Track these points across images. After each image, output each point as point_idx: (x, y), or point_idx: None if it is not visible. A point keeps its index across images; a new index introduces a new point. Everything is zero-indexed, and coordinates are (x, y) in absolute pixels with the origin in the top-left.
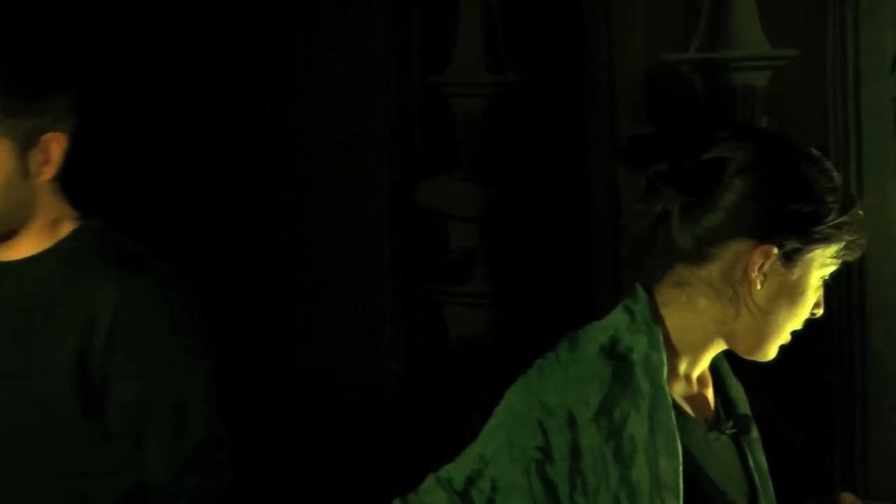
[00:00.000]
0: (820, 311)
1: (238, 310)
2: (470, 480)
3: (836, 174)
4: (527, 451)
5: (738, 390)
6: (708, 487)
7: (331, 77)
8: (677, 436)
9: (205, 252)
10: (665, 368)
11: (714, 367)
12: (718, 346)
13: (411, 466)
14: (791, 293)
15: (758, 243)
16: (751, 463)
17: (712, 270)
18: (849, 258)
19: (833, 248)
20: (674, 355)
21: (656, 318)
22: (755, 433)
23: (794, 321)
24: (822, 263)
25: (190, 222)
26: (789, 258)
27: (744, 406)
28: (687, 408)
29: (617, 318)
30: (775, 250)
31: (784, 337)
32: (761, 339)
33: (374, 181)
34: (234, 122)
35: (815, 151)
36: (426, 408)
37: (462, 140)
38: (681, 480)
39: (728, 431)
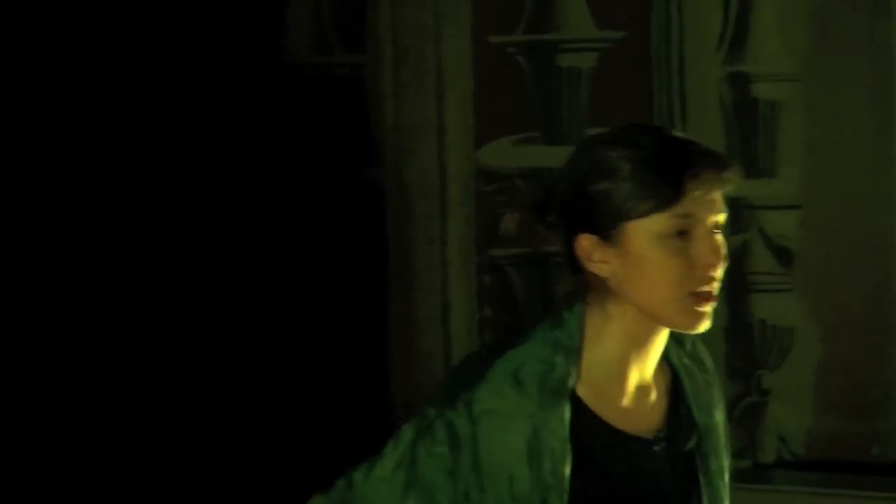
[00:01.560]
0: (715, 260)
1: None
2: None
3: (636, 149)
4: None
5: (705, 399)
6: (608, 495)
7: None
8: (559, 442)
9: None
10: (569, 380)
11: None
12: (645, 343)
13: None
14: (639, 265)
15: (576, 235)
16: (701, 478)
17: (586, 275)
18: (684, 212)
19: (650, 215)
20: (603, 364)
21: (580, 336)
22: (710, 447)
23: (669, 287)
24: (653, 230)
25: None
26: (607, 238)
27: (705, 417)
28: (613, 418)
29: (540, 335)
30: (590, 237)
31: (679, 301)
32: (657, 314)
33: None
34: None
35: (624, 131)
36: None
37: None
38: (565, 483)
39: (656, 447)
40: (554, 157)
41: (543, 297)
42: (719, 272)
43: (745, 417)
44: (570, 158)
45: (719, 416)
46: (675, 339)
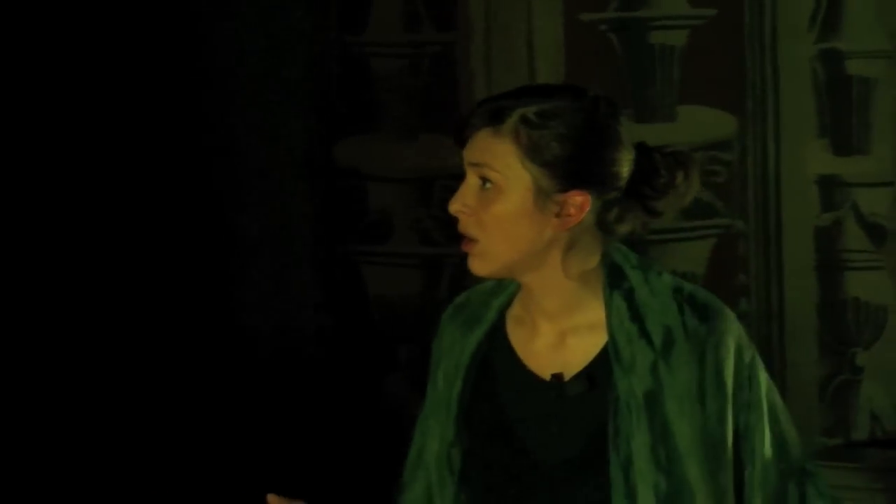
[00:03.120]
0: (451, 204)
1: (166, 268)
2: None
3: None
4: None
5: (628, 364)
6: (503, 433)
7: (249, 35)
8: (462, 368)
9: (130, 214)
10: (487, 313)
11: (616, 339)
12: (524, 290)
13: (329, 422)
14: None
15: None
16: (610, 431)
17: None
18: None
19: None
20: (527, 308)
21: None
22: (626, 404)
23: None
24: None
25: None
26: None
27: (628, 376)
28: (530, 359)
29: None
30: None
31: None
32: None
33: (291, 140)
34: (150, 76)
35: None
36: (345, 366)
37: (381, 100)
38: (452, 402)
39: (570, 389)
40: (645, 134)
41: None
42: (466, 221)
43: (838, 395)
44: None
45: (687, 405)
46: (662, 293)
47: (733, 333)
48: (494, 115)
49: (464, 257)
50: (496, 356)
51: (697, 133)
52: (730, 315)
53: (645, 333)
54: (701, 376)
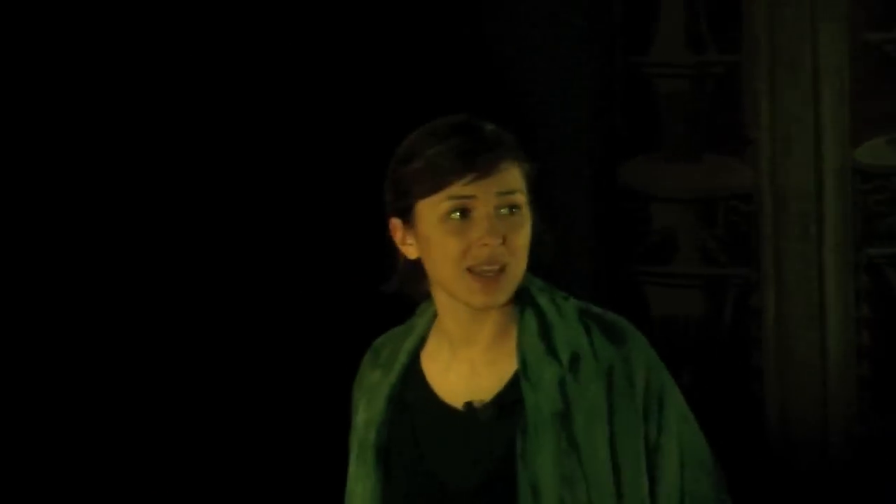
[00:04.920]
0: (489, 240)
1: None
2: None
3: (431, 135)
4: None
5: (540, 387)
6: (421, 467)
7: (533, 56)
8: (380, 413)
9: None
10: (400, 354)
11: (528, 362)
12: (466, 318)
13: None
14: (427, 245)
15: (388, 219)
16: (518, 449)
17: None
18: (461, 193)
19: (430, 195)
20: (443, 341)
21: (431, 313)
22: (533, 421)
23: (449, 264)
24: (435, 210)
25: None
26: (408, 221)
27: (536, 392)
28: (446, 392)
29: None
30: (396, 220)
31: (459, 279)
32: (447, 290)
33: (576, 160)
34: (429, 98)
35: (435, 123)
36: None
37: (664, 120)
38: (371, 450)
39: (482, 415)
40: None
41: None
42: (502, 252)
43: None
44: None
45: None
46: (570, 316)
47: (642, 354)
48: (512, 145)
49: (747, 278)
50: (410, 395)
51: None
52: (639, 336)
53: (552, 351)
54: (610, 393)
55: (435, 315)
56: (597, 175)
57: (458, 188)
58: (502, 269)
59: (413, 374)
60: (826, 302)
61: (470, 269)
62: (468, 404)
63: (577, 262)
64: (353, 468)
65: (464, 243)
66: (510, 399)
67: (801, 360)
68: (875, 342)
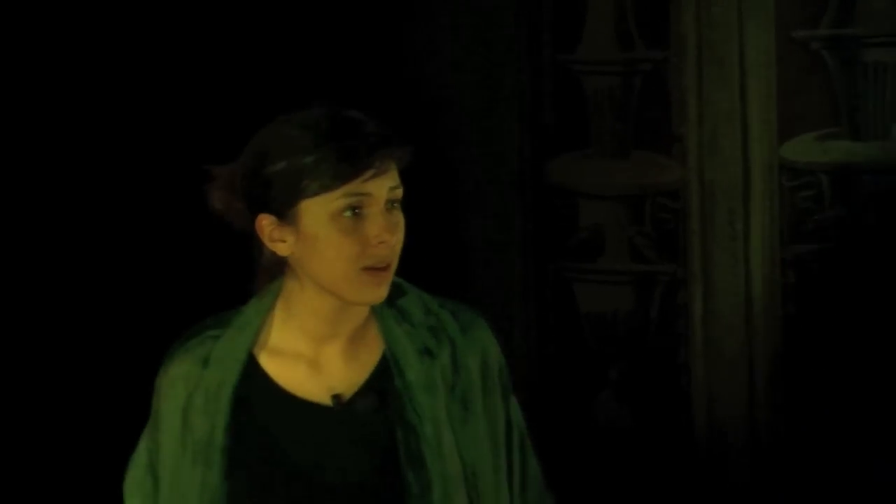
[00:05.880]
0: (386, 237)
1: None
2: None
3: (311, 129)
4: None
5: (411, 373)
6: (274, 458)
7: (460, 53)
8: (220, 414)
9: None
10: (236, 350)
11: (395, 351)
12: (331, 316)
13: (541, 440)
14: (313, 244)
15: (253, 217)
16: (399, 438)
17: (265, 256)
18: (358, 191)
19: (322, 194)
20: (292, 337)
21: (267, 310)
22: (407, 412)
23: (342, 264)
24: (326, 208)
25: None
26: (284, 217)
27: (410, 388)
28: (289, 383)
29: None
30: (268, 217)
31: (352, 278)
32: (332, 289)
33: (504, 158)
34: (361, 94)
35: (304, 112)
36: (556, 385)
37: (593, 117)
38: (214, 441)
39: (335, 411)
40: (858, 152)
41: (850, 293)
42: (394, 247)
43: None
44: (252, 139)
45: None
46: (424, 307)
47: (489, 340)
48: (396, 137)
49: (675, 275)
50: (253, 393)
51: None
52: (484, 323)
53: (414, 338)
54: (468, 377)
55: (270, 309)
56: (525, 172)
57: (355, 185)
58: (388, 265)
59: (253, 372)
60: (753, 299)
61: (365, 268)
62: (336, 397)
63: (506, 259)
64: (183, 467)
65: (359, 242)
66: (380, 387)
67: (728, 357)
68: (801, 340)
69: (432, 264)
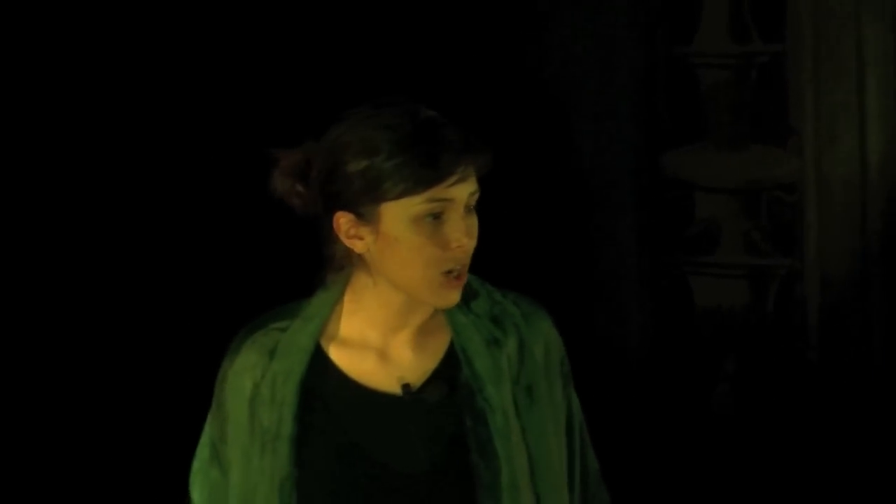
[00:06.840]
0: (465, 242)
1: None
2: None
3: (394, 130)
4: None
5: (478, 363)
6: (345, 449)
7: (577, 49)
8: (288, 405)
9: None
10: (303, 341)
11: (463, 340)
12: (401, 311)
13: (653, 434)
14: (392, 245)
15: (333, 213)
16: (468, 427)
17: (336, 250)
18: (441, 196)
19: (404, 197)
20: (360, 328)
21: (335, 302)
22: (476, 401)
23: (421, 267)
24: (408, 212)
25: None
26: (363, 216)
27: (489, 387)
28: (358, 374)
29: (293, 304)
30: (347, 215)
31: (431, 280)
32: (408, 290)
33: (620, 152)
34: (471, 92)
35: (384, 110)
36: (671, 378)
37: (708, 110)
38: (283, 431)
39: (430, 396)
40: None
41: None
42: (470, 251)
43: None
44: (329, 133)
45: (520, 393)
46: (488, 297)
47: (550, 329)
48: (477, 141)
49: (790, 268)
50: (322, 384)
51: None
52: (544, 313)
53: (480, 328)
54: (533, 366)
55: (336, 301)
56: (641, 165)
57: (437, 191)
58: (464, 269)
59: (321, 363)
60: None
61: (443, 272)
62: (406, 387)
63: (622, 252)
64: (251, 458)
65: (439, 245)
66: (448, 376)
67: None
68: None
69: (551, 257)
